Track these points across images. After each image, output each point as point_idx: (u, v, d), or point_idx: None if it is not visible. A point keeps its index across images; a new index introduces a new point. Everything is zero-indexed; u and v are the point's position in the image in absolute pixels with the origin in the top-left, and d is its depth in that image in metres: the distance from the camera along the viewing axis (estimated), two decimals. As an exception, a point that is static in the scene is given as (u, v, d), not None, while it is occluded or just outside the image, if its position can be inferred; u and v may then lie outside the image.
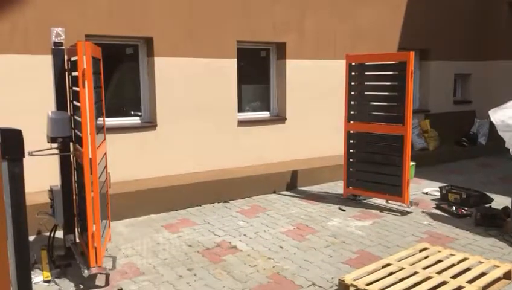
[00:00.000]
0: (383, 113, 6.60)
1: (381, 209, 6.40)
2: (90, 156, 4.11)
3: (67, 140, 4.49)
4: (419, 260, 4.35)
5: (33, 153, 4.28)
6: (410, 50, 9.80)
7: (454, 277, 3.99)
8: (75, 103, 4.67)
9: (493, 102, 10.43)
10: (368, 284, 3.82)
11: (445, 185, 7.09)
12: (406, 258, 4.40)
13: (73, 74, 4.68)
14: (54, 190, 4.63)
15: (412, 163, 8.14)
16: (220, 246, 5.10)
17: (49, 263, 4.56)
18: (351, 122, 6.76)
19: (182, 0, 6.74)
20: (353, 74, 6.70)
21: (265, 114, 8.14)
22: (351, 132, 6.76)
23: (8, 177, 1.90)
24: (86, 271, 4.16)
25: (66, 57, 4.64)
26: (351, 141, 6.78)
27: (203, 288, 4.13)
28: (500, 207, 5.95)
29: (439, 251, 4.56)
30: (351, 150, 6.80)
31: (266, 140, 7.77)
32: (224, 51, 7.20)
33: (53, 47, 4.53)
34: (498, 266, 4.20)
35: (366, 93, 6.72)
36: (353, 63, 6.67)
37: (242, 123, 7.55)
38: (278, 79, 8.09)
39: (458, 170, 8.83)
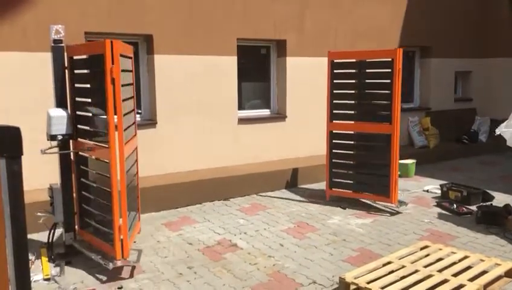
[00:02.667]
0: (369, 112, 6.35)
1: (370, 209, 6.26)
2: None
3: (66, 137, 4.48)
4: (420, 258, 4.33)
5: (46, 152, 4.36)
6: (412, 47, 9.88)
7: (455, 275, 3.97)
8: (78, 99, 4.71)
9: (494, 100, 10.51)
10: (368, 283, 3.81)
11: (446, 182, 7.08)
12: (407, 256, 4.38)
13: (76, 71, 4.71)
14: (53, 187, 4.62)
15: (413, 161, 8.16)
16: (221, 244, 5.09)
17: (49, 261, 4.55)
18: (334, 121, 6.53)
19: (182, -3, 6.73)
20: (336, 71, 6.45)
21: (265, 112, 8.12)
22: (334, 131, 6.54)
23: (6, 175, 1.88)
24: (110, 264, 4.24)
25: (66, 54, 4.64)
26: (334, 141, 6.57)
27: (203, 286, 4.12)
28: (501, 205, 5.94)
29: (440, 249, 4.54)
30: (333, 151, 6.59)
31: (266, 138, 7.75)
32: (225, 48, 7.18)
33: (52, 44, 4.52)
34: (499, 264, 4.18)
35: (350, 91, 6.49)
36: (335, 60, 6.43)
37: (242, 121, 7.53)
38: (279, 76, 8.07)
39: (459, 168, 8.81)
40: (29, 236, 4.63)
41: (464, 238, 5.22)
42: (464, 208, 6.15)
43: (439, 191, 6.94)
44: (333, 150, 6.60)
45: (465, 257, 4.35)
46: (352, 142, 6.53)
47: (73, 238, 4.75)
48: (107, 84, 4.09)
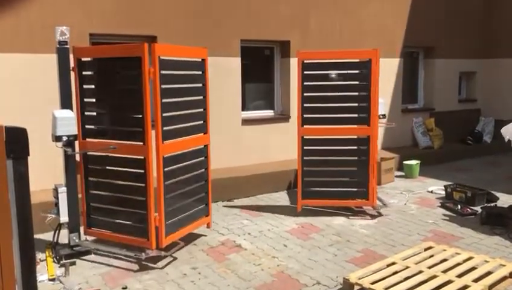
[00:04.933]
0: (345, 115, 6.05)
1: (350, 215, 6.08)
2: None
3: (72, 139, 4.51)
4: (424, 259, 4.33)
5: (73, 152, 4.56)
6: (416, 48, 9.86)
7: (459, 275, 3.97)
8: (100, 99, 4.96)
9: (498, 100, 10.47)
10: (372, 283, 3.81)
11: (450, 183, 7.07)
12: (411, 257, 4.38)
13: (84, 72, 4.82)
14: (58, 188, 4.64)
15: (417, 161, 8.15)
16: (225, 245, 5.10)
17: (54, 261, 4.58)
18: (305, 126, 5.98)
19: (186, -2, 6.75)
20: (307, 72, 5.93)
21: (269, 112, 8.13)
22: (305, 137, 6.00)
23: (13, 176, 1.90)
24: (143, 254, 4.50)
25: (72, 56, 4.68)
26: (306, 148, 6.02)
27: (208, 287, 4.13)
28: (505, 206, 5.92)
29: (444, 250, 4.54)
30: (305, 158, 6.03)
31: (270, 139, 7.75)
32: (229, 49, 7.19)
33: (58, 46, 4.55)
34: (504, 265, 4.18)
35: (325, 94, 6.08)
36: (306, 61, 5.94)
37: (246, 122, 7.54)
38: (282, 77, 8.07)
39: (463, 169, 8.79)
40: (35, 237, 4.66)
41: (468, 239, 5.21)
42: (468, 209, 6.14)
43: (444, 192, 6.92)
44: (305, 157, 6.04)
45: (470, 258, 4.34)
46: (327, 148, 6.10)
47: (78, 238, 4.77)
48: (144, 85, 4.33)
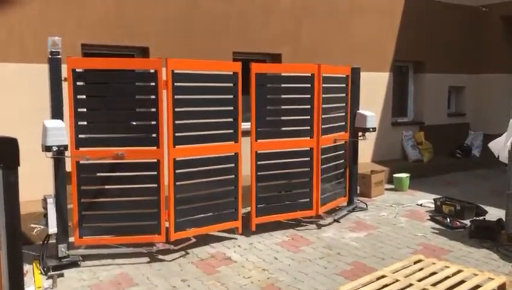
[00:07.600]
0: (292, 128, 6.12)
1: (296, 225, 6.11)
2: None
3: (62, 149, 4.48)
4: (414, 272, 4.33)
5: (88, 159, 4.76)
6: (406, 62, 9.98)
7: (449, 289, 3.98)
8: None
9: (486, 115, 10.61)
10: (362, 296, 3.80)
11: (439, 197, 7.10)
12: (401, 270, 4.38)
13: (78, 83, 4.86)
14: (47, 199, 4.59)
15: (407, 175, 8.21)
16: (214, 257, 5.07)
17: (41, 273, 4.52)
18: (259, 141, 5.77)
19: (178, 10, 6.79)
20: (260, 85, 5.74)
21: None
22: (259, 151, 5.78)
23: (2, 186, 1.89)
24: (154, 247, 4.94)
25: (66, 66, 4.68)
26: (259, 163, 5.79)
27: (197, 299, 4.10)
28: (494, 219, 5.97)
29: (434, 263, 4.55)
30: (259, 173, 5.79)
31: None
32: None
33: (49, 56, 4.54)
34: (492, 279, 4.19)
35: (273, 107, 6.11)
36: (258, 72, 5.71)
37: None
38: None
39: (452, 182, 8.86)
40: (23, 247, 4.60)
41: (457, 253, 5.24)
42: (458, 222, 6.17)
43: (433, 205, 6.97)
44: (258, 173, 5.80)
45: (459, 271, 4.36)
46: (275, 161, 5.97)
47: (67, 249, 4.72)
48: (158, 95, 4.88)
